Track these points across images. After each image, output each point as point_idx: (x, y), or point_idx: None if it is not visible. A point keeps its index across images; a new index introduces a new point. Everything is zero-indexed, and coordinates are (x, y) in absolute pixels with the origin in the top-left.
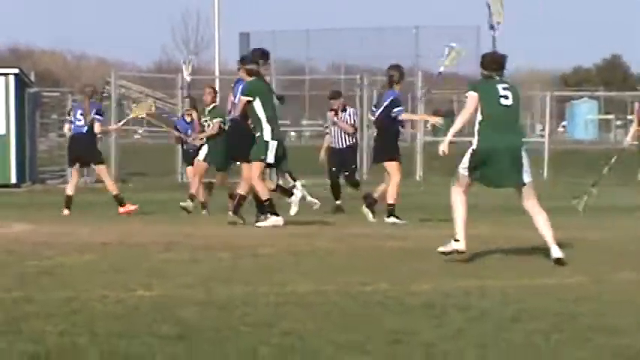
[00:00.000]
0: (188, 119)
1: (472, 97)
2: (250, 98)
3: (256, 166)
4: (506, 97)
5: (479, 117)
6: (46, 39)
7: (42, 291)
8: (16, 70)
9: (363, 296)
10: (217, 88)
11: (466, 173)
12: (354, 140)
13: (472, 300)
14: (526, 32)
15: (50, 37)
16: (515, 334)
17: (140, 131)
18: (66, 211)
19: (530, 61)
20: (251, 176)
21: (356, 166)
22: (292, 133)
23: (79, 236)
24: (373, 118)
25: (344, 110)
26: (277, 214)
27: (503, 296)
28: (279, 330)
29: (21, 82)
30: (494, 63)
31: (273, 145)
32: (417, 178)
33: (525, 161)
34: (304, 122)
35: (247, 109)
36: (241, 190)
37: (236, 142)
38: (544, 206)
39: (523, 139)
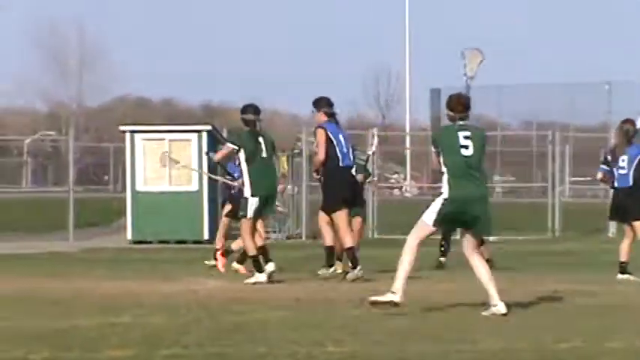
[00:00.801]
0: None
1: (435, 153)
2: (236, 148)
3: (243, 223)
4: (466, 147)
5: (443, 167)
6: (239, 96)
7: (235, 346)
8: (209, 127)
9: (557, 354)
10: (407, 144)
11: (431, 223)
12: None
13: None
14: None
15: (243, 94)
16: None
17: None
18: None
19: None
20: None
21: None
22: None
23: (271, 292)
24: (601, 175)
25: None
26: (262, 271)
27: None
28: None
29: (213, 139)
30: (459, 105)
31: (252, 201)
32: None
33: (489, 212)
34: (496, 178)
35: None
36: (348, 243)
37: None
38: None
39: (486, 189)
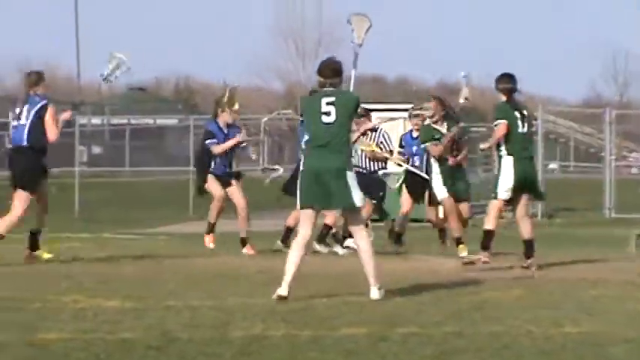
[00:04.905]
0: None
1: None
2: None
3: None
4: (327, 114)
5: (306, 136)
6: (472, 75)
7: (472, 325)
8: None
9: None
10: None
11: (298, 203)
12: (381, 165)
13: None
14: None
15: (479, 72)
16: None
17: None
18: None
19: None
20: None
21: (382, 197)
22: None
23: (508, 271)
24: None
25: (374, 130)
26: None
27: None
28: None
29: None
30: (328, 69)
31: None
32: None
33: (353, 183)
34: None
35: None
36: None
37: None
38: None
39: (345, 160)
